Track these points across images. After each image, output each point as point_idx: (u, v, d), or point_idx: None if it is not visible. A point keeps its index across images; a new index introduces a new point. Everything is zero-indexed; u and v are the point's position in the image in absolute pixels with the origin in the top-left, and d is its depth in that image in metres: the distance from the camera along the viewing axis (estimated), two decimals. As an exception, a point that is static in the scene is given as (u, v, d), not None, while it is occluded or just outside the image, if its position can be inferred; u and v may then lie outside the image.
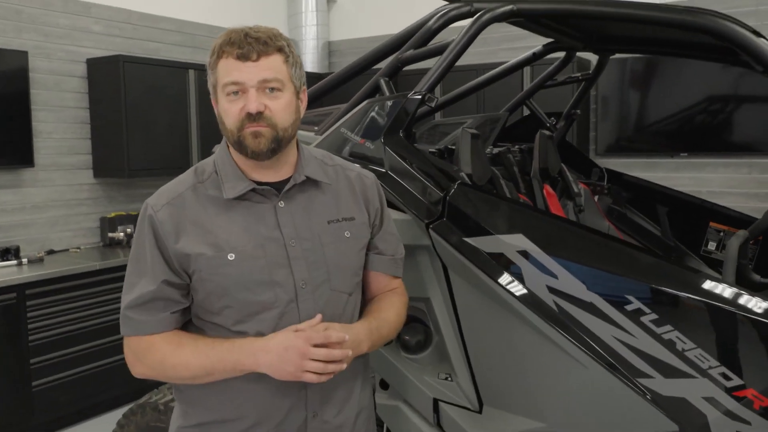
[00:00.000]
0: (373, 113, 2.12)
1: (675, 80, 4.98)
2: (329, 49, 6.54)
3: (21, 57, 4.38)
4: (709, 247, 3.02)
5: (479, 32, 2.05)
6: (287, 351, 1.38)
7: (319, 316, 1.45)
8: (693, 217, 3.11)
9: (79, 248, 4.81)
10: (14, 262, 4.22)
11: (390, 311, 1.64)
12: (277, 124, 1.44)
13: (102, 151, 4.88)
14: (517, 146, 3.16)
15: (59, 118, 4.72)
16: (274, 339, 1.42)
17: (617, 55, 4.94)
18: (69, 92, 4.77)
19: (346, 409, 1.59)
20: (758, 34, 1.77)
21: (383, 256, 1.68)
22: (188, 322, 1.56)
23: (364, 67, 2.44)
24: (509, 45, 5.47)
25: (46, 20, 4.62)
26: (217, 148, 2.59)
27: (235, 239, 1.47)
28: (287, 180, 1.53)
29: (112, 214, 4.97)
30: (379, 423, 2.34)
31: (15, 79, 4.35)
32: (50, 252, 4.61)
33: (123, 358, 4.52)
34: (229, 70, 1.43)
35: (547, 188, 2.85)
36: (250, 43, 1.41)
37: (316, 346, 1.39)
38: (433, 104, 2.06)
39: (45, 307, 4.05)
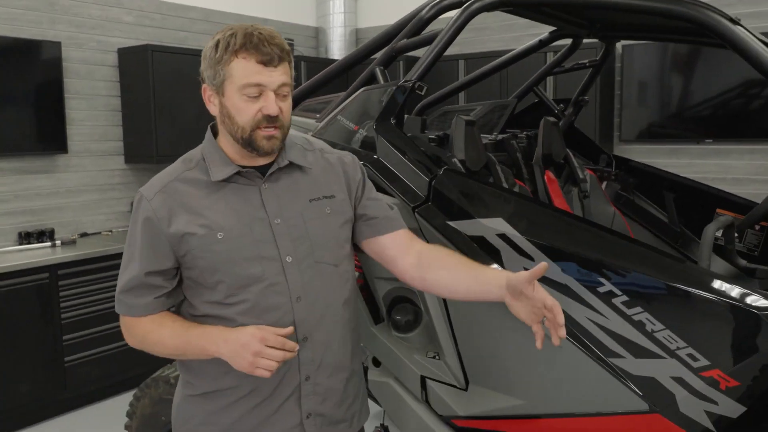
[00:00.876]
0: (367, 101, 2.20)
1: (712, 65, 4.91)
2: (357, 37, 6.61)
3: (55, 47, 4.56)
4: (716, 235, 3.01)
5: (468, 21, 2.10)
6: (243, 348, 1.49)
7: (290, 329, 1.54)
8: (700, 203, 3.10)
9: (110, 231, 5.01)
10: (49, 243, 4.42)
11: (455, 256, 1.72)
12: (285, 125, 1.58)
13: (132, 138, 5.05)
14: (524, 132, 3.19)
15: (91, 105, 4.90)
16: (235, 333, 1.52)
17: (647, 42, 4.92)
18: (101, 81, 4.95)
19: (337, 373, 1.70)
20: (735, 22, 1.79)
21: (379, 219, 1.76)
22: (183, 301, 1.69)
23: (364, 56, 2.52)
24: (535, 31, 5.45)
25: (78, 11, 4.79)
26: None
27: (223, 219, 1.58)
28: (270, 164, 1.64)
29: (143, 199, 5.14)
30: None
31: (49, 68, 4.54)
32: (83, 235, 4.81)
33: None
34: (251, 72, 1.51)
35: (549, 174, 2.88)
36: (272, 49, 1.50)
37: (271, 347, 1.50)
38: (423, 92, 2.12)
39: (77, 286, 4.24)
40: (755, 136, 4.84)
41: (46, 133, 4.57)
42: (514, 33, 5.67)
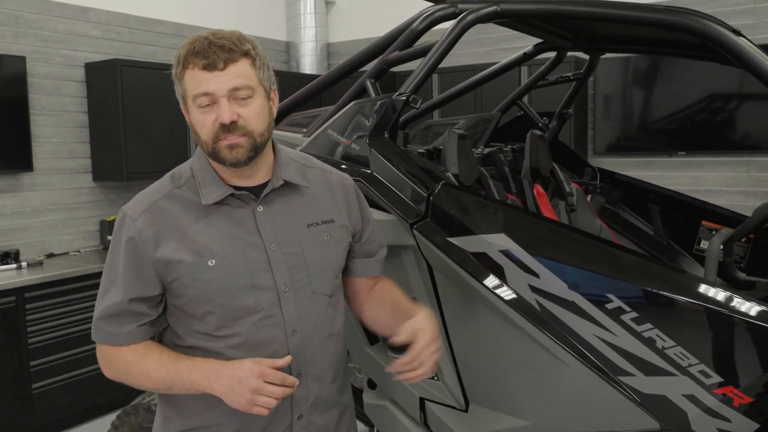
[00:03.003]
0: (359, 115, 2.14)
1: (675, 79, 4.98)
2: (328, 51, 6.56)
3: (19, 62, 4.41)
4: (702, 245, 3.02)
5: (463, 33, 2.07)
6: (240, 384, 1.38)
7: (288, 358, 1.44)
8: (685, 216, 3.11)
9: (78, 251, 4.84)
10: (14, 265, 4.25)
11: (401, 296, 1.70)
12: (252, 131, 1.43)
13: (101, 155, 4.90)
14: (509, 146, 3.17)
15: (58, 122, 4.75)
16: (229, 368, 1.41)
17: (618, 55, 4.97)
18: (67, 96, 4.80)
19: (330, 410, 1.60)
20: (738, 33, 1.78)
21: (370, 259, 1.69)
22: (166, 329, 1.56)
23: (351, 69, 2.46)
24: (507, 45, 5.48)
25: (44, 25, 4.65)
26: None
27: (215, 245, 1.46)
28: (265, 184, 1.52)
29: (112, 218, 4.99)
30: (370, 424, 2.36)
31: (13, 84, 4.38)
32: (50, 255, 4.64)
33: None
34: (198, 82, 1.40)
35: (538, 188, 2.86)
36: (215, 52, 1.39)
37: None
38: (417, 105, 2.08)
39: (44, 309, 4.07)
40: (726, 148, 4.91)
41: (10, 150, 4.40)
42: (486, 47, 5.69)
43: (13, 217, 4.51)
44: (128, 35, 5.18)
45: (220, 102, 1.40)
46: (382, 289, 1.72)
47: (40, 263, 4.40)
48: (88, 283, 4.29)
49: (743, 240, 2.84)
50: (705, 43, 1.82)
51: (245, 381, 1.37)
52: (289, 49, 6.54)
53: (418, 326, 1.49)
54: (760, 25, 4.78)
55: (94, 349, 4.55)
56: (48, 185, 4.70)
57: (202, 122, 1.42)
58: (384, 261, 1.73)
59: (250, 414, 1.44)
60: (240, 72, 1.41)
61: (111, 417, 2.67)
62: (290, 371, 1.47)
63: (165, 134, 5.03)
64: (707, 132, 4.94)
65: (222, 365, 1.42)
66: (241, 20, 6.07)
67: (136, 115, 4.81)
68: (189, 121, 1.48)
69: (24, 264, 4.30)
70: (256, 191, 1.51)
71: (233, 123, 1.40)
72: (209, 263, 1.44)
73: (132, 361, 1.48)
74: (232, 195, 1.49)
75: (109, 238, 4.84)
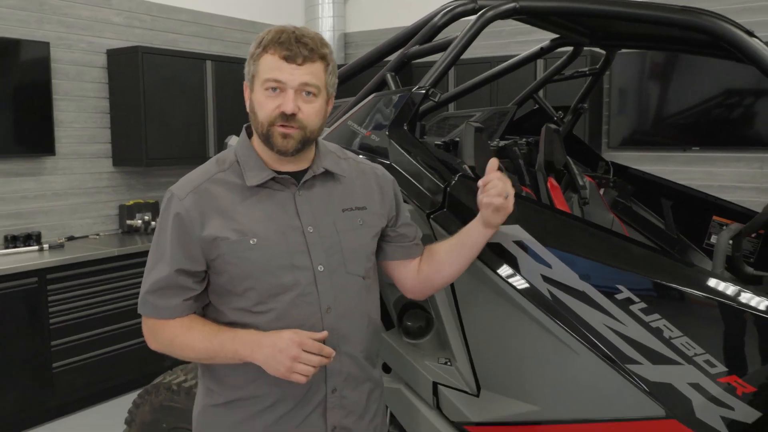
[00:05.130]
0: (379, 107, 2.19)
1: (691, 74, 5.00)
2: (345, 41, 6.61)
3: (43, 48, 4.50)
4: (712, 240, 3.07)
5: (482, 29, 2.11)
6: (280, 353, 1.47)
7: (324, 333, 1.53)
8: (697, 210, 3.15)
9: (98, 235, 4.94)
10: (36, 247, 4.36)
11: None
12: (307, 126, 1.53)
13: (121, 141, 5.00)
14: (524, 139, 3.22)
15: (80, 107, 4.84)
16: (270, 338, 1.49)
17: (628, 51, 4.99)
18: (89, 82, 4.89)
19: (360, 386, 1.68)
20: (751, 34, 1.83)
21: (406, 243, 1.78)
22: (207, 305, 1.65)
23: (372, 62, 2.51)
24: (523, 38, 5.51)
25: (68, 12, 4.73)
26: (230, 140, 2.68)
27: (256, 225, 1.55)
28: (305, 171, 1.62)
29: (131, 202, 5.09)
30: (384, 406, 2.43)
31: (37, 69, 4.48)
32: (70, 238, 4.75)
33: (140, 342, 4.65)
34: (273, 68, 1.50)
35: (552, 181, 2.91)
36: (298, 47, 1.49)
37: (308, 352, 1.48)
38: (436, 99, 2.13)
39: (65, 291, 4.19)
40: (739, 144, 4.93)
41: (33, 135, 4.50)
42: (502, 40, 5.72)
43: (35, 200, 4.61)
44: (150, 22, 5.25)
45: (288, 93, 1.50)
46: (428, 253, 1.80)
47: (61, 246, 4.50)
48: (108, 266, 4.40)
49: (753, 236, 2.88)
50: (718, 43, 1.86)
51: (285, 350, 1.46)
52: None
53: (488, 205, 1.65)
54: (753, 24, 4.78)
55: (113, 330, 4.67)
56: (69, 170, 4.80)
57: (264, 104, 1.52)
58: (420, 246, 1.81)
59: (288, 387, 1.54)
60: (313, 71, 1.52)
61: (129, 397, 2.76)
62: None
63: (184, 121, 5.12)
64: (721, 128, 4.96)
65: (263, 335, 1.51)
66: (260, 9, 6.14)
67: (156, 102, 4.89)
68: (248, 99, 1.57)
69: (46, 246, 4.41)
70: (296, 176, 1.61)
71: (293, 115, 1.50)
72: (251, 242, 1.54)
73: (177, 334, 1.58)
74: (273, 179, 1.58)
75: (128, 222, 4.96)
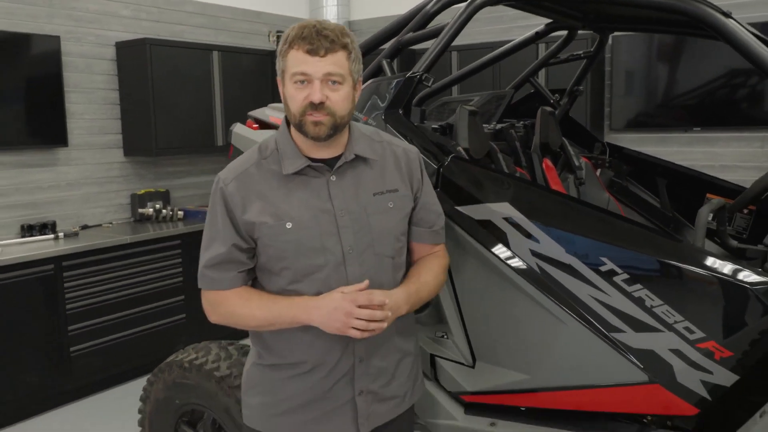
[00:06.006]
0: (375, 92, 2.29)
1: (692, 55, 5.04)
2: (350, 29, 6.65)
3: (53, 41, 4.61)
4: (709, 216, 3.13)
5: (473, 15, 2.20)
6: (336, 311, 1.61)
7: (366, 282, 1.66)
8: (691, 189, 3.21)
9: (111, 223, 5.07)
10: (51, 236, 4.48)
11: (428, 274, 1.84)
12: (335, 112, 1.64)
13: (131, 131, 5.11)
14: (521, 122, 3.30)
15: (90, 99, 4.95)
16: (325, 299, 1.64)
17: (635, 33, 5.03)
18: (99, 75, 5.00)
19: (388, 356, 1.81)
20: (727, 15, 1.90)
21: (422, 228, 1.87)
22: (254, 282, 1.81)
23: (370, 49, 2.60)
24: (524, 23, 5.56)
25: (76, 5, 4.84)
26: (235, 127, 2.78)
27: (292, 210, 1.69)
28: (339, 156, 1.73)
29: (142, 191, 5.21)
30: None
31: (48, 62, 4.59)
32: (84, 227, 4.88)
33: (154, 326, 4.76)
34: (299, 62, 1.62)
35: (547, 162, 2.99)
36: (319, 40, 1.60)
37: (360, 307, 1.62)
38: (429, 84, 2.22)
39: (81, 278, 4.32)
40: (741, 124, 4.97)
41: (46, 126, 4.62)
42: (504, 24, 5.77)
43: (49, 190, 4.74)
44: (157, 15, 5.35)
45: (314, 83, 1.62)
46: (420, 261, 1.89)
47: (76, 234, 4.63)
48: (121, 253, 4.52)
49: (745, 212, 2.95)
50: (698, 24, 1.94)
51: (340, 307, 1.61)
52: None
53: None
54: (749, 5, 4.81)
55: (127, 315, 4.79)
56: (81, 160, 4.92)
57: (295, 96, 1.65)
58: (439, 234, 1.89)
59: (321, 355, 1.73)
60: (336, 61, 1.63)
61: (144, 379, 2.86)
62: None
63: (192, 111, 5.22)
64: (722, 108, 5.00)
65: (316, 299, 1.66)
66: (264, -1, 6.22)
67: (164, 93, 5.00)
68: (282, 93, 1.70)
69: (61, 235, 4.53)
70: (330, 163, 1.73)
71: (321, 103, 1.62)
72: (287, 225, 1.68)
73: (237, 305, 1.74)
74: (309, 166, 1.71)
75: (140, 210, 5.09)
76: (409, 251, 1.89)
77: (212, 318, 1.80)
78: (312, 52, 1.61)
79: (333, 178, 1.72)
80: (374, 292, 1.65)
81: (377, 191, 1.76)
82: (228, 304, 1.75)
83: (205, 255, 1.75)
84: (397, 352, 1.83)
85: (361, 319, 1.61)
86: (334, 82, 1.63)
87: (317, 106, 1.62)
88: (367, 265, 1.72)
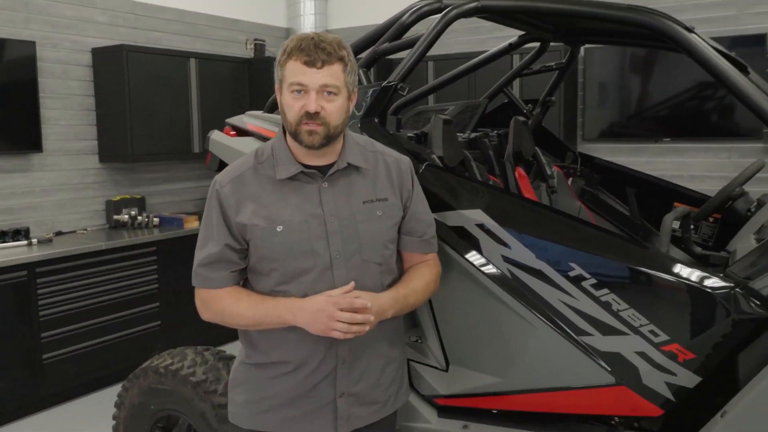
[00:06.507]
0: (351, 101, 2.33)
1: (663, 68, 5.16)
2: (327, 38, 6.71)
3: (29, 47, 4.59)
4: (673, 225, 3.22)
5: (447, 26, 2.25)
6: (319, 312, 1.67)
7: (351, 284, 1.72)
8: (660, 198, 3.30)
9: (85, 230, 5.04)
10: (25, 242, 4.45)
11: (418, 281, 1.89)
12: (330, 122, 1.70)
13: (107, 137, 5.10)
14: (495, 131, 3.36)
15: (66, 105, 4.94)
16: (309, 301, 1.70)
17: (607, 46, 5.14)
18: (75, 80, 4.99)
19: (372, 361, 1.85)
20: (690, 30, 1.98)
21: (412, 237, 1.91)
22: (245, 282, 1.87)
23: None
24: (500, 34, 5.64)
25: (52, 11, 4.83)
26: (213, 134, 2.81)
27: (284, 214, 1.75)
28: (332, 164, 1.78)
29: (117, 198, 5.20)
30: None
31: (23, 68, 4.57)
32: (58, 233, 4.85)
33: (127, 334, 4.74)
34: (296, 73, 1.68)
35: (520, 171, 3.05)
36: (317, 52, 1.66)
37: (343, 310, 1.66)
38: (404, 93, 2.27)
39: (54, 284, 4.29)
40: (709, 135, 5.10)
41: (20, 132, 4.60)
42: (480, 35, 5.86)
43: (23, 195, 4.71)
44: (134, 21, 5.35)
45: (311, 94, 1.68)
46: (412, 269, 1.93)
47: (50, 240, 4.60)
48: (95, 259, 4.50)
49: (711, 220, 3.04)
50: (662, 38, 2.01)
51: (323, 310, 1.66)
52: (289, 35, 6.69)
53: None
54: (741, 17, 4.96)
55: (101, 322, 4.77)
56: (56, 166, 4.90)
57: (292, 105, 1.71)
58: (429, 243, 1.92)
59: (304, 356, 1.78)
60: (332, 73, 1.69)
61: (118, 387, 2.86)
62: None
63: (169, 118, 5.22)
64: (692, 120, 5.13)
65: (302, 301, 1.71)
66: (243, 7, 6.25)
67: (141, 99, 5.00)
68: (279, 101, 1.75)
69: (34, 241, 4.50)
70: (323, 170, 1.78)
71: (316, 113, 1.68)
72: (278, 228, 1.74)
73: (228, 304, 1.80)
74: (302, 172, 1.76)
75: (115, 217, 5.08)
76: (402, 260, 1.93)
77: (204, 315, 1.86)
78: (309, 64, 1.66)
79: (325, 184, 1.77)
80: (359, 296, 1.69)
81: (367, 199, 1.81)
82: (219, 302, 1.80)
83: (200, 254, 1.81)
84: (381, 357, 1.87)
85: (342, 321, 1.66)
86: (329, 93, 1.69)
87: (312, 116, 1.68)
88: (354, 270, 1.77)
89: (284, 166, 1.76)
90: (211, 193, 1.81)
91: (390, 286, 1.86)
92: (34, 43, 4.62)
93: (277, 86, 1.77)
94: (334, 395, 1.81)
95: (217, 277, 1.79)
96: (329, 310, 1.65)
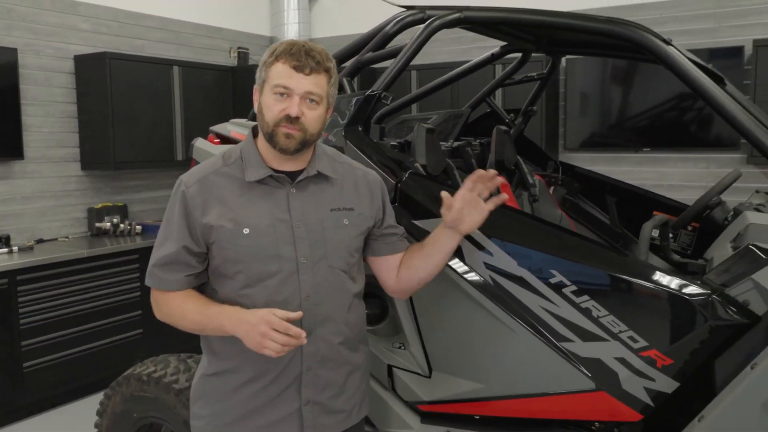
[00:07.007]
0: (335, 109, 2.35)
1: (644, 79, 5.24)
2: (311, 47, 6.73)
3: (11, 54, 4.57)
4: (652, 233, 3.27)
5: (430, 37, 2.28)
6: (252, 328, 1.64)
7: (299, 313, 1.69)
8: (640, 207, 3.35)
9: (67, 237, 5.02)
10: (5, 250, 4.42)
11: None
12: (308, 129, 1.72)
13: (89, 145, 5.08)
14: (478, 140, 3.39)
15: (48, 112, 4.91)
16: (249, 314, 1.67)
17: (589, 57, 5.21)
18: (57, 88, 4.97)
19: (337, 368, 1.84)
20: (668, 42, 2.02)
21: (389, 241, 1.93)
22: (206, 285, 1.84)
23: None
24: (482, 44, 5.69)
25: (35, 18, 4.81)
26: (197, 142, 2.82)
27: (251, 217, 1.74)
28: (301, 171, 1.79)
29: (99, 205, 5.17)
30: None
31: (5, 74, 4.54)
32: (40, 241, 4.81)
33: (109, 342, 4.70)
34: (283, 75, 1.69)
35: (502, 179, 3.08)
36: (306, 59, 1.69)
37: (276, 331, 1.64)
38: (388, 102, 2.29)
39: (35, 292, 4.26)
40: (688, 145, 5.18)
41: (1, 139, 4.57)
42: (463, 45, 5.91)
43: (4, 203, 4.68)
44: (117, 29, 5.34)
45: (294, 98, 1.70)
46: (405, 257, 1.95)
47: (31, 248, 4.57)
48: (77, 267, 4.47)
49: (690, 229, 3.09)
50: (640, 50, 2.06)
51: (256, 326, 1.64)
52: (272, 43, 6.71)
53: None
54: (720, 30, 5.06)
55: (82, 330, 4.73)
56: (38, 173, 4.87)
57: (272, 107, 1.71)
58: (407, 239, 1.97)
59: (265, 363, 1.74)
60: (318, 82, 1.72)
61: (100, 395, 2.84)
62: (301, 327, 1.69)
63: (152, 125, 5.21)
64: (671, 130, 5.20)
65: (243, 312, 1.69)
66: (226, 16, 6.26)
67: (124, 107, 4.99)
68: (257, 101, 1.76)
69: (15, 248, 4.46)
70: (292, 176, 1.79)
71: (297, 118, 1.70)
72: (244, 231, 1.73)
73: (175, 305, 1.79)
74: (271, 176, 1.77)
75: (97, 224, 5.05)
76: (387, 269, 1.94)
77: (157, 315, 1.85)
78: (298, 69, 1.69)
79: (293, 190, 1.78)
80: (297, 312, 1.67)
81: (334, 207, 1.82)
82: (168, 304, 1.80)
83: (156, 253, 1.79)
84: (345, 364, 1.86)
85: (275, 342, 1.63)
86: (312, 100, 1.71)
87: (293, 120, 1.69)
88: (319, 275, 1.77)
89: (253, 169, 1.76)
90: (175, 193, 1.79)
91: (355, 294, 1.87)
92: (15, 50, 4.60)
93: (257, 86, 1.77)
94: (299, 403, 1.79)
95: (172, 279, 1.77)
96: (263, 329, 1.62)
